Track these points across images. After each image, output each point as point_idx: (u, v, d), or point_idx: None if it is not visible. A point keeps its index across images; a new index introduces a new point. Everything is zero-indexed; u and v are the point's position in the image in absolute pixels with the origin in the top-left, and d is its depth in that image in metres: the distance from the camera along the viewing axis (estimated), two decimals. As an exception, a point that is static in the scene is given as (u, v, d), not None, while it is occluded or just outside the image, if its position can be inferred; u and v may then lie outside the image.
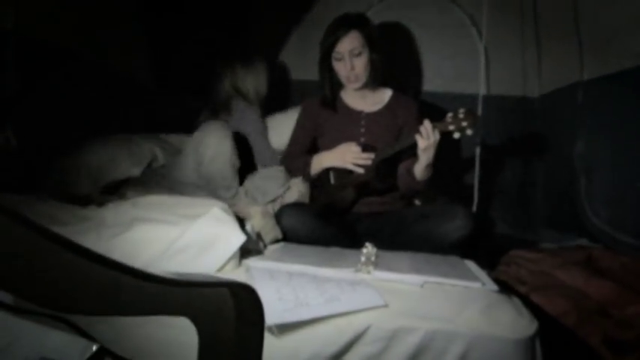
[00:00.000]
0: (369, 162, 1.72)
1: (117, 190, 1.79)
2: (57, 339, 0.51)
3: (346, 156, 1.75)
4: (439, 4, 2.51)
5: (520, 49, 2.49)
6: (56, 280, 0.34)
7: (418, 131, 1.61)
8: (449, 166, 2.45)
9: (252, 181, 1.86)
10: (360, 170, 1.74)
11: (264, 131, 2.07)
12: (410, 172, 1.75)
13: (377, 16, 2.46)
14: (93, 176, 1.78)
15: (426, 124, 1.60)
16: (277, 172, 1.87)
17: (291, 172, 1.91)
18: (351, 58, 1.76)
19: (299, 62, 2.68)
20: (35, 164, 1.69)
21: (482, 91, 2.43)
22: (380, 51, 1.82)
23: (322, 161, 1.84)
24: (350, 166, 1.74)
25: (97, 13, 1.96)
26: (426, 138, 1.60)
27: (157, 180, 1.83)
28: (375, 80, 1.86)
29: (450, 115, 1.63)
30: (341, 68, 1.80)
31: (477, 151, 2.37)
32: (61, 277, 0.34)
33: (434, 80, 2.57)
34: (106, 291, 0.37)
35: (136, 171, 1.83)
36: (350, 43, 1.75)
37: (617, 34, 1.82)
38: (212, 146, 1.77)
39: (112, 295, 0.37)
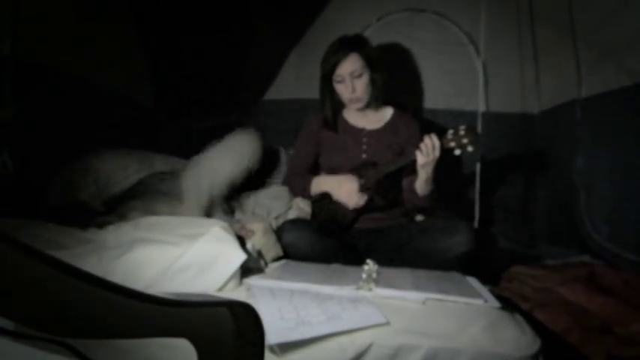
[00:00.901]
0: (360, 203, 1.74)
1: (118, 205, 1.81)
2: (57, 363, 0.51)
3: (342, 190, 1.77)
4: (437, 23, 2.54)
5: (518, 66, 2.51)
6: (55, 304, 0.34)
7: (418, 148, 1.62)
8: (450, 183, 2.46)
9: (257, 198, 1.87)
10: (349, 207, 1.75)
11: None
12: (411, 188, 1.76)
13: (375, 35, 2.50)
14: (100, 183, 1.82)
15: (427, 142, 1.61)
16: (283, 191, 1.89)
17: (292, 191, 1.92)
18: (352, 80, 1.78)
19: (298, 80, 2.70)
20: (33, 188, 1.70)
21: (481, 107, 2.45)
22: (381, 70, 1.84)
23: (321, 185, 1.86)
24: (341, 200, 1.76)
25: (96, 36, 1.99)
26: (426, 155, 1.61)
27: (158, 187, 1.87)
28: (378, 99, 1.88)
29: (450, 132, 1.64)
30: (342, 90, 1.81)
31: (478, 167, 2.38)
32: (60, 302, 0.34)
33: (433, 97, 2.59)
34: (106, 314, 0.37)
35: (143, 174, 1.89)
36: (350, 66, 1.77)
37: (614, 51, 1.84)
38: (233, 148, 1.82)
39: (112, 318, 0.38)
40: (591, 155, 1.97)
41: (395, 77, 2.30)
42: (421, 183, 1.70)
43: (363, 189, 1.76)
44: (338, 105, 1.92)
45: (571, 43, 2.05)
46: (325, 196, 1.85)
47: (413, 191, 1.76)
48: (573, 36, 2.03)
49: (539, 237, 2.46)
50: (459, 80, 2.55)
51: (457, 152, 1.63)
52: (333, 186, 1.80)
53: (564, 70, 2.16)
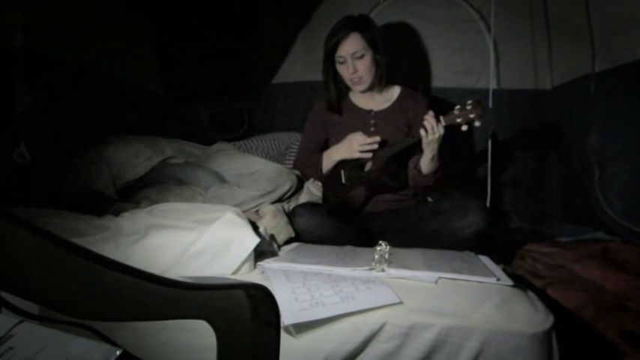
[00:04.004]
0: (375, 146, 1.72)
1: (132, 193, 1.84)
2: (81, 345, 0.52)
3: (352, 145, 1.75)
4: (446, 0, 2.50)
5: (530, 42, 2.46)
6: (79, 288, 0.36)
7: (423, 126, 1.62)
8: (462, 162, 2.45)
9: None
10: (368, 155, 1.73)
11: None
12: (417, 166, 1.75)
13: (384, 14, 2.46)
14: (113, 171, 1.84)
15: (429, 119, 1.60)
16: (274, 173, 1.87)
17: (303, 174, 1.92)
18: (353, 61, 1.76)
19: (306, 63, 2.68)
20: (49, 177, 1.72)
21: (492, 85, 2.41)
22: (384, 51, 1.81)
23: (332, 155, 1.85)
24: (357, 155, 1.74)
25: (104, 25, 1.99)
26: (431, 132, 1.60)
27: (171, 174, 1.88)
28: (382, 81, 1.86)
29: (457, 107, 1.63)
30: (344, 71, 1.80)
31: (489, 145, 2.36)
32: (83, 286, 0.36)
33: (444, 76, 2.56)
34: (127, 297, 0.38)
35: (155, 160, 1.89)
36: (352, 46, 1.75)
37: (628, 24, 1.79)
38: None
39: (133, 301, 0.39)
40: (606, 130, 1.95)
41: (404, 56, 2.28)
42: (427, 161, 1.70)
43: (371, 172, 1.76)
44: (343, 87, 1.91)
45: (584, 17, 2.01)
46: (336, 179, 1.85)
47: (418, 169, 1.76)
48: (587, 9, 1.99)
49: (552, 214, 2.44)
50: (469, 58, 2.51)
51: (464, 128, 1.62)
52: (342, 149, 1.79)
53: (577, 45, 2.11)
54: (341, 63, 1.79)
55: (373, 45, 1.77)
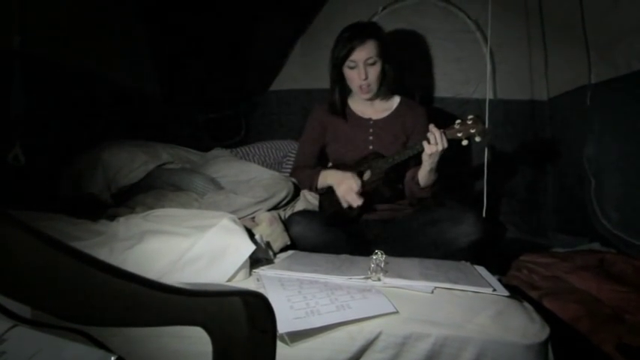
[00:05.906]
0: (354, 204, 1.72)
1: (127, 198, 1.83)
2: (75, 351, 0.52)
3: (341, 188, 1.75)
4: (444, 10, 2.52)
5: (527, 52, 2.49)
6: (73, 291, 0.35)
7: (426, 137, 1.61)
8: (458, 172, 2.45)
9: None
10: (344, 205, 1.74)
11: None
12: (414, 178, 1.75)
13: (381, 23, 2.45)
14: (109, 176, 1.83)
15: (435, 131, 1.59)
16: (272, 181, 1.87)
17: (299, 184, 1.92)
18: (365, 67, 1.76)
19: (304, 71, 2.69)
20: (44, 181, 1.71)
21: (488, 95, 2.42)
22: (391, 61, 1.82)
23: (327, 179, 1.84)
24: (342, 200, 1.75)
25: (103, 30, 1.99)
26: (434, 144, 1.59)
27: (167, 180, 1.88)
28: (386, 90, 1.86)
29: (458, 122, 1.63)
30: (354, 77, 1.79)
31: (486, 155, 2.37)
32: (77, 289, 0.35)
33: (440, 85, 2.58)
34: (121, 302, 0.38)
35: (151, 166, 1.88)
36: (366, 53, 1.75)
37: (624, 36, 1.81)
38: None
39: (127, 306, 0.38)
40: (601, 141, 1.96)
41: (402, 66, 2.29)
42: (425, 173, 1.69)
43: (369, 182, 1.76)
44: (346, 93, 1.91)
45: (580, 28, 2.03)
46: (332, 188, 1.85)
47: (415, 182, 1.76)
48: (582, 21, 2.01)
49: (548, 225, 2.45)
50: (466, 68, 2.53)
51: (464, 142, 1.62)
52: (337, 182, 1.79)
53: (574, 56, 2.13)
54: (352, 68, 1.78)
55: (384, 53, 1.78)
